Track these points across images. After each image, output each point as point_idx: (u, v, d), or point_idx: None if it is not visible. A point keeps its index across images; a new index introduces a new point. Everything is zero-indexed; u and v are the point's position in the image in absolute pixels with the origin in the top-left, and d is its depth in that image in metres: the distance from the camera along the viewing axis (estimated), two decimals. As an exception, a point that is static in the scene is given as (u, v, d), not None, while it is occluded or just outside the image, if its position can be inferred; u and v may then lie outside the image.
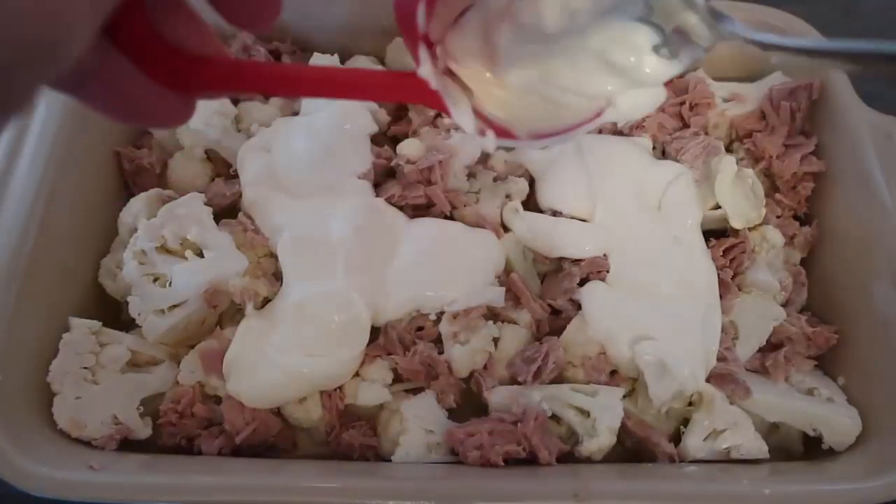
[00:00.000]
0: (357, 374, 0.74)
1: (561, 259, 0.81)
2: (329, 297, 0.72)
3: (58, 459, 0.65)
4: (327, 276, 0.74)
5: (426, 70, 0.41)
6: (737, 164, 0.85)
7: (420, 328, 0.76)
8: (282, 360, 0.70)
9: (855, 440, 0.74)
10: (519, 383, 0.75)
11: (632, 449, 0.76)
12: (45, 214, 0.73)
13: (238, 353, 0.71)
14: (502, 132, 0.47)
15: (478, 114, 0.46)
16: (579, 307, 0.77)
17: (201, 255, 0.74)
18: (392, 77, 0.49)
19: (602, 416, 0.71)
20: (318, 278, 0.74)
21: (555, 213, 0.83)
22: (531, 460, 0.71)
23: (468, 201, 0.83)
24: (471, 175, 0.85)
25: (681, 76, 0.95)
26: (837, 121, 0.87)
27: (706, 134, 0.91)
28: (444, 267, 0.77)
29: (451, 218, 0.82)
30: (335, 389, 0.73)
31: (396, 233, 0.79)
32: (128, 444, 0.71)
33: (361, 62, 0.93)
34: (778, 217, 0.88)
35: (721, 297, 0.79)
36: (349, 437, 0.72)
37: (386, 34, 0.93)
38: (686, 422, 0.75)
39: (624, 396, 0.74)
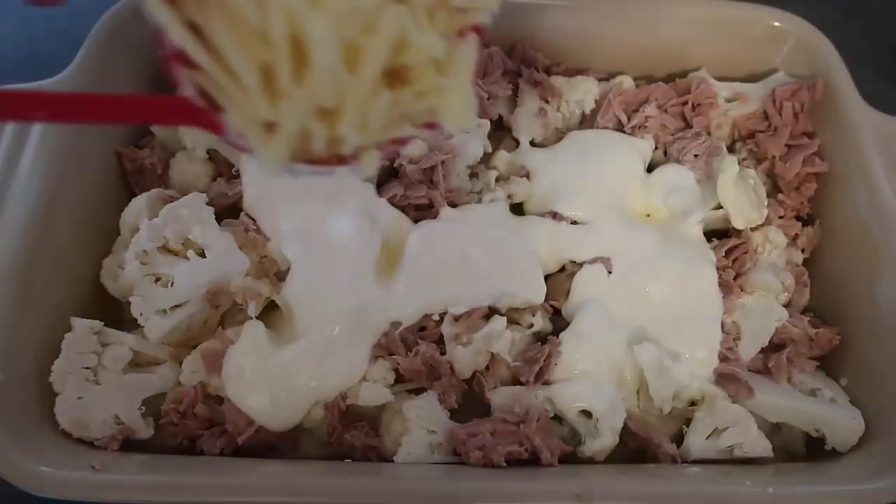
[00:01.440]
0: (359, 375, 0.74)
1: (563, 260, 0.81)
2: (336, 309, 0.73)
3: (59, 459, 0.65)
4: (334, 285, 0.74)
5: (188, 91, 0.40)
6: (739, 164, 0.85)
7: (422, 328, 0.76)
8: (296, 383, 0.70)
9: (858, 441, 0.74)
10: (521, 384, 0.75)
11: (634, 449, 0.75)
12: (46, 214, 0.73)
13: (248, 375, 0.70)
14: None
15: None
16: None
17: (203, 255, 0.74)
18: (160, 100, 0.48)
19: (604, 416, 0.71)
20: (325, 286, 0.74)
21: (555, 215, 0.83)
22: (533, 461, 0.70)
23: (470, 201, 0.83)
24: (473, 175, 0.85)
25: (683, 75, 0.96)
26: (840, 121, 0.87)
27: (708, 134, 0.91)
28: (452, 270, 0.77)
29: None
30: (337, 390, 0.73)
31: (401, 236, 0.79)
32: (130, 444, 0.70)
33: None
34: (780, 217, 0.88)
35: (723, 297, 0.79)
36: (351, 437, 0.72)
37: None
38: (689, 423, 0.75)
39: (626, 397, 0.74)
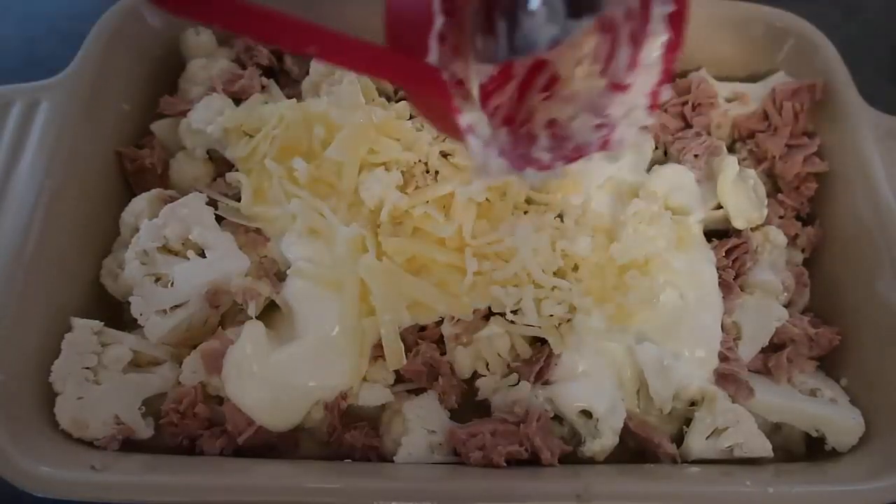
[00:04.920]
0: (359, 375, 0.74)
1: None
2: (337, 312, 0.72)
3: (59, 460, 0.65)
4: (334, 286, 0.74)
5: (434, 58, 0.41)
6: (739, 164, 0.85)
7: (422, 328, 0.76)
8: (296, 383, 0.70)
9: (858, 441, 0.74)
10: (521, 384, 0.75)
11: (634, 449, 0.75)
12: (46, 214, 0.73)
13: (248, 375, 0.70)
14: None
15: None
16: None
17: (203, 255, 0.74)
18: (401, 59, 0.49)
19: (604, 416, 0.71)
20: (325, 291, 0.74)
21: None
22: (533, 461, 0.70)
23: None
24: (473, 175, 0.85)
25: (683, 75, 0.96)
26: (840, 121, 0.87)
27: (708, 134, 0.91)
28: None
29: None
30: (337, 390, 0.73)
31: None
32: (130, 444, 0.70)
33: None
34: (780, 217, 0.88)
35: (723, 297, 0.79)
36: (351, 437, 0.72)
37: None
38: (689, 423, 0.75)
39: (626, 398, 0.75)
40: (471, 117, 0.46)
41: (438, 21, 0.42)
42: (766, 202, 0.85)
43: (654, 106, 0.55)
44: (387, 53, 0.47)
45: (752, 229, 0.84)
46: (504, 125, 0.52)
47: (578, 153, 0.54)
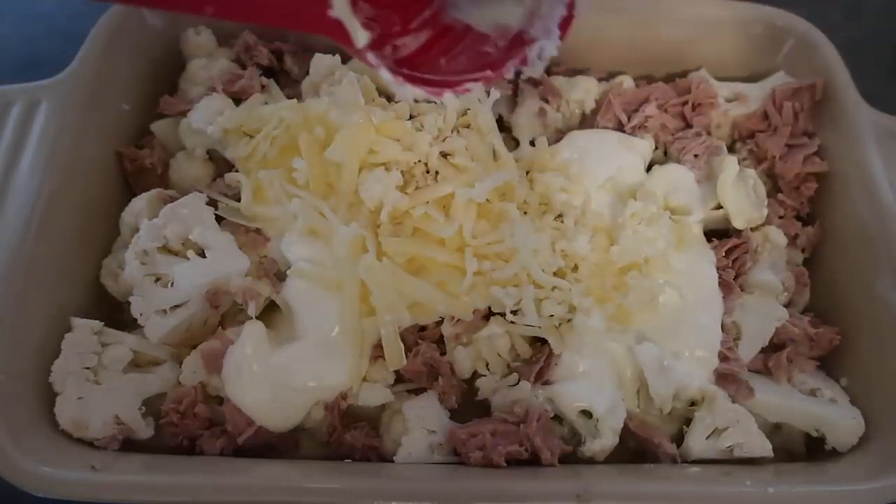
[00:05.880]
0: (359, 375, 0.74)
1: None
2: (337, 312, 0.72)
3: (59, 459, 0.65)
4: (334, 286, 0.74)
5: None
6: (739, 164, 0.85)
7: (422, 328, 0.76)
8: (296, 383, 0.70)
9: (858, 441, 0.74)
10: (521, 384, 0.75)
11: (634, 449, 0.75)
12: (46, 214, 0.73)
13: (248, 375, 0.70)
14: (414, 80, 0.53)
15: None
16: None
17: (203, 255, 0.74)
18: (296, 4, 0.49)
19: (604, 416, 0.71)
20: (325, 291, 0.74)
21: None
22: (533, 461, 0.70)
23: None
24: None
25: (683, 75, 0.96)
26: (840, 121, 0.87)
27: (708, 134, 0.91)
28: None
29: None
30: (337, 390, 0.73)
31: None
32: (130, 444, 0.70)
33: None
34: (780, 217, 0.88)
35: (723, 297, 0.79)
36: (351, 437, 0.72)
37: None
38: (689, 423, 0.75)
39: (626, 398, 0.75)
40: (377, 55, 0.49)
41: None
42: (766, 202, 0.85)
43: (570, 17, 0.56)
44: (287, 4, 0.47)
45: (752, 229, 0.84)
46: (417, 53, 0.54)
47: (496, 71, 0.56)
